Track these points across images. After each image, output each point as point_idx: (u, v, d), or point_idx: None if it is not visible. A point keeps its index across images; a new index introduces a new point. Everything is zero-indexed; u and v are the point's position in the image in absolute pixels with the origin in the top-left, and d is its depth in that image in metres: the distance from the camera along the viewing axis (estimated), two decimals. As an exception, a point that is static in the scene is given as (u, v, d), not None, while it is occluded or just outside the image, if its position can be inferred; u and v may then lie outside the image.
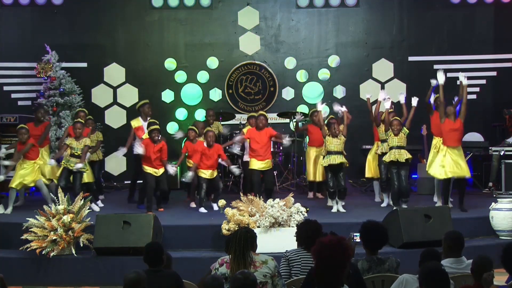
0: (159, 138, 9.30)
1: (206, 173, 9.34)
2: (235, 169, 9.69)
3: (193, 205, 9.78)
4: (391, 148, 8.98)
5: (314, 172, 10.35)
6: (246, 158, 10.37)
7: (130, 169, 12.36)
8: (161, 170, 9.28)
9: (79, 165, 9.03)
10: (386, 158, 8.98)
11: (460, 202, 8.81)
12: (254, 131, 9.81)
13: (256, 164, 9.68)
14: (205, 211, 9.08)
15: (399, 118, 9.13)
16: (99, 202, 9.71)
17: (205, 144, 9.42)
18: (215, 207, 8.98)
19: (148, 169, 9.22)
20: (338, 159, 9.04)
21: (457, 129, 8.85)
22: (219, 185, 9.42)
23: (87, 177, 9.56)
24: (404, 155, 8.88)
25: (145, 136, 9.66)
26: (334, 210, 9.08)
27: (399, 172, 8.88)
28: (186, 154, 9.79)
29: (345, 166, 9.15)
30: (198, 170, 9.38)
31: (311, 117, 10.54)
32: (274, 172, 10.54)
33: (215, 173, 9.48)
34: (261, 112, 10.28)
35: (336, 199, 9.14)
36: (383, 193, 9.72)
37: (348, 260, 3.59)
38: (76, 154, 9.14)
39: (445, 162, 8.79)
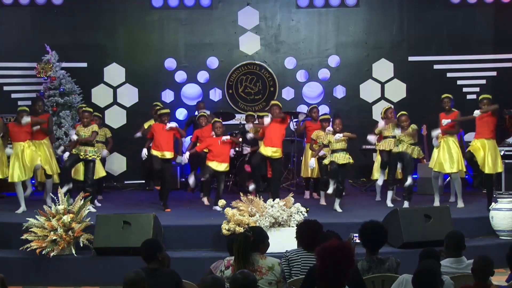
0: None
1: (212, 164, 9.31)
2: (245, 148, 9.59)
3: (206, 202, 9.79)
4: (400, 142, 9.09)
5: (305, 168, 10.34)
6: (245, 151, 10.39)
7: (130, 169, 12.39)
8: (169, 154, 9.25)
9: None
10: (395, 149, 9.05)
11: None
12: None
13: (265, 150, 9.51)
14: (208, 203, 9.08)
15: (406, 113, 9.19)
16: (96, 202, 9.67)
17: (213, 135, 9.45)
18: (218, 208, 8.82)
19: (155, 152, 9.22)
20: (343, 158, 9.06)
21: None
22: (221, 186, 9.29)
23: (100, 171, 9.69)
24: (411, 151, 9.01)
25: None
26: (322, 202, 9.10)
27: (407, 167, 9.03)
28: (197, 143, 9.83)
29: (349, 165, 9.15)
30: (208, 161, 9.38)
31: (310, 114, 10.53)
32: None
33: (223, 167, 9.35)
34: (273, 102, 10.08)
35: (327, 192, 9.20)
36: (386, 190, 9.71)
37: (351, 265, 3.62)
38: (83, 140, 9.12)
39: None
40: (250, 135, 10.06)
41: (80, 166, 9.67)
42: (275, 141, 9.50)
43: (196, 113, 11.30)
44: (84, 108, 9.67)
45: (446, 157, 9.24)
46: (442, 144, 9.33)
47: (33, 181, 9.80)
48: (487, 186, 9.05)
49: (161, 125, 9.33)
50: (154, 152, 9.25)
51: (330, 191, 9.11)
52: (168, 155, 9.27)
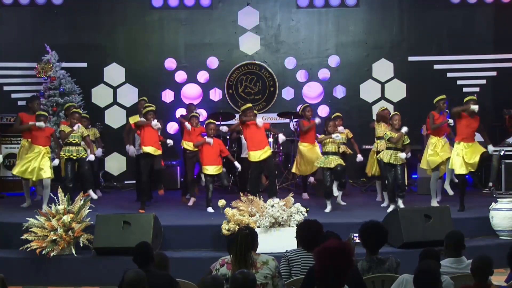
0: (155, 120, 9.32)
1: (209, 169, 9.27)
2: (237, 164, 9.61)
3: (191, 202, 9.79)
4: (388, 148, 9.01)
5: (299, 165, 10.26)
6: (243, 154, 10.39)
7: (130, 169, 12.37)
8: (159, 152, 9.22)
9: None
10: (384, 158, 9.00)
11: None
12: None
13: (255, 156, 9.42)
14: (213, 210, 9.02)
15: (398, 113, 9.21)
16: (97, 191, 9.64)
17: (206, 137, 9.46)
18: (210, 209, 8.73)
19: (147, 148, 9.15)
20: (334, 162, 9.06)
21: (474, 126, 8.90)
22: (224, 182, 9.34)
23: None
24: (400, 159, 8.96)
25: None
26: (327, 210, 9.08)
27: (395, 169, 8.94)
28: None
29: (341, 166, 9.13)
30: (202, 167, 9.34)
31: (304, 112, 10.52)
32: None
33: (220, 170, 9.36)
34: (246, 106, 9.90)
35: (332, 197, 9.17)
36: (383, 192, 9.73)
37: (350, 265, 3.62)
38: (73, 142, 9.04)
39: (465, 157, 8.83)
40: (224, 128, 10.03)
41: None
42: (261, 143, 9.43)
43: (185, 112, 11.20)
44: (74, 109, 9.47)
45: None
46: (435, 143, 9.35)
47: (33, 188, 9.75)
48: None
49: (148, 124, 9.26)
50: (146, 149, 9.16)
51: (327, 210, 9.11)
52: (159, 152, 9.22)
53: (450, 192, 9.11)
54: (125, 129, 10.43)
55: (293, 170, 10.62)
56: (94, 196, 8.81)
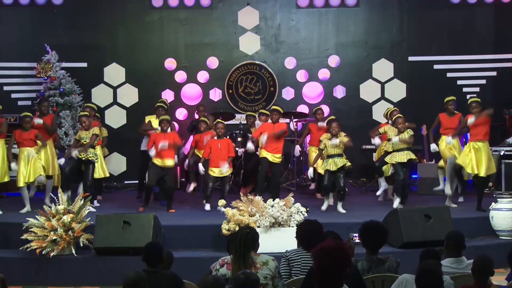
0: (169, 128, 9.33)
1: (215, 171, 9.27)
2: (250, 146, 9.55)
3: (191, 187, 9.88)
4: (396, 150, 9.01)
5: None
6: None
7: (130, 169, 12.38)
8: (168, 162, 9.17)
9: (76, 152, 9.04)
10: (389, 160, 9.01)
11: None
12: (268, 125, 9.66)
13: (267, 155, 9.51)
14: (209, 208, 9.07)
15: (402, 116, 9.16)
16: (95, 202, 9.62)
17: (215, 137, 9.45)
18: (222, 209, 8.71)
19: (156, 160, 9.14)
20: (338, 163, 9.03)
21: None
22: (225, 187, 9.31)
23: (98, 172, 9.62)
24: (406, 156, 8.92)
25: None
26: (324, 208, 9.08)
27: (407, 169, 8.98)
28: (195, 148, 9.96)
29: (346, 167, 9.11)
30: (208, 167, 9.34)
31: (315, 115, 10.52)
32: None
33: (227, 172, 9.33)
34: (274, 107, 10.07)
35: (329, 197, 9.18)
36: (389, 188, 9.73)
37: (348, 265, 3.62)
38: (84, 143, 9.12)
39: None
40: (251, 147, 9.80)
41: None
42: (277, 146, 9.54)
43: (196, 116, 11.33)
44: (81, 113, 9.64)
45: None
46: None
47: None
48: (481, 187, 9.06)
49: (161, 134, 9.25)
50: (155, 160, 9.16)
51: (324, 207, 9.11)
52: (169, 162, 9.19)
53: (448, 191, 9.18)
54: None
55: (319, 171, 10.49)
56: (92, 209, 8.63)
